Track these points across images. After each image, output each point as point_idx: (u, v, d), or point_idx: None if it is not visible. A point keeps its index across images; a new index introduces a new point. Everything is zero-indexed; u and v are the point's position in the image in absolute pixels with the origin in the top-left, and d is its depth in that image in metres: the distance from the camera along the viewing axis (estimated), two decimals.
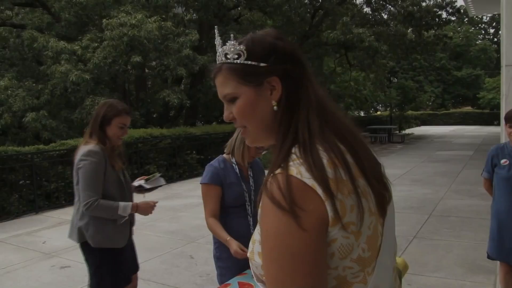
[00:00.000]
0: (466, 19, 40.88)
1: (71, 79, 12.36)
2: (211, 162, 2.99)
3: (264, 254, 1.00)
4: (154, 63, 14.93)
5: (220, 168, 2.92)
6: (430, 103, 42.00)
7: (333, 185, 0.97)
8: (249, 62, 1.10)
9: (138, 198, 3.28)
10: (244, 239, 2.80)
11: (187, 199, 9.65)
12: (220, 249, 2.96)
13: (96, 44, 13.37)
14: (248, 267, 2.79)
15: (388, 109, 32.00)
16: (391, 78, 37.88)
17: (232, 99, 1.14)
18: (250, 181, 3.00)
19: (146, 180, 3.47)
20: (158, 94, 14.02)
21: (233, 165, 2.96)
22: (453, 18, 24.89)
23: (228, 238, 2.77)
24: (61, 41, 13.38)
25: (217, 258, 3.02)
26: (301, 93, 1.10)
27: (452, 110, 43.07)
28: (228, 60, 1.13)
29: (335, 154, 1.02)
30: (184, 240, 6.57)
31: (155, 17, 13.44)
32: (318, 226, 0.96)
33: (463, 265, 5.19)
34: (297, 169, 0.98)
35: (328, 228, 0.96)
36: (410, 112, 32.96)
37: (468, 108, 44.15)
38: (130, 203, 3.06)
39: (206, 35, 16.12)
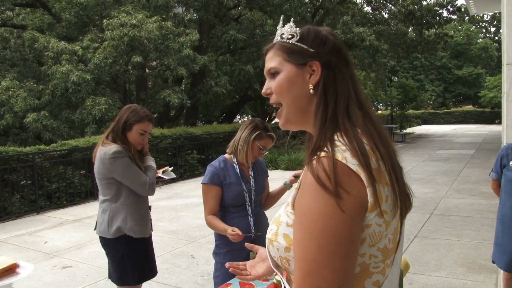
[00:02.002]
0: (467, 17, 40.89)
1: (72, 80, 12.36)
2: (212, 162, 3.03)
3: (301, 232, 1.02)
4: (154, 63, 14.93)
5: (220, 168, 2.96)
6: (431, 102, 41.96)
7: (375, 173, 1.03)
8: (299, 44, 1.19)
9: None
10: (244, 238, 2.89)
11: (188, 198, 9.65)
12: (219, 246, 3.06)
13: (96, 45, 13.37)
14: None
15: (389, 108, 31.97)
16: (392, 77, 37.87)
17: (274, 73, 1.21)
18: (251, 181, 3.03)
19: (163, 172, 3.69)
20: (158, 94, 14.02)
21: (234, 165, 3.00)
22: (454, 17, 24.88)
23: (227, 227, 2.85)
24: (62, 42, 13.39)
25: (215, 254, 3.10)
26: (340, 85, 1.16)
27: (453, 109, 43.03)
28: (282, 39, 1.22)
29: (376, 146, 1.08)
30: (185, 239, 6.57)
31: (155, 17, 13.44)
32: (358, 210, 1.00)
33: (464, 264, 5.19)
34: (342, 154, 1.03)
35: (366, 213, 1.01)
36: (411, 111, 32.94)
37: (469, 107, 44.12)
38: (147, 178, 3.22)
39: (207, 35, 16.12)
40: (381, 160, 1.06)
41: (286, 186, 3.23)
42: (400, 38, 21.06)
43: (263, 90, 1.25)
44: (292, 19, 1.25)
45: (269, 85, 1.22)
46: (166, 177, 3.68)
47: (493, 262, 3.76)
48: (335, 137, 1.08)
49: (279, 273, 1.19)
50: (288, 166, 13.38)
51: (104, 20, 13.17)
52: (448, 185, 10.26)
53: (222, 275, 3.04)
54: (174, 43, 13.69)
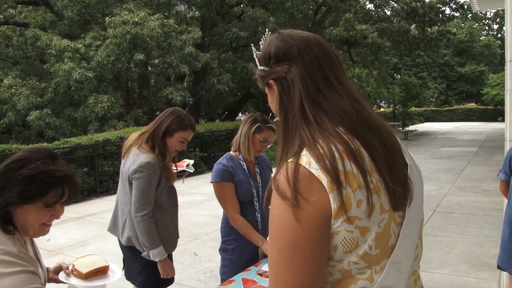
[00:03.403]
0: (470, 15, 40.77)
1: (74, 77, 12.39)
2: (219, 160, 3.02)
3: (269, 236, 1.05)
4: (157, 61, 14.94)
5: (228, 165, 2.97)
6: (434, 100, 41.88)
7: (342, 177, 0.98)
8: (261, 67, 1.21)
9: (177, 182, 3.25)
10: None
11: (191, 196, 9.65)
12: (227, 242, 3.05)
13: (99, 42, 13.40)
14: (252, 263, 2.86)
15: (391, 105, 31.93)
16: (394, 75, 37.78)
17: None
18: (258, 178, 3.05)
19: (187, 165, 3.58)
20: (161, 92, 14.04)
21: (241, 162, 3.01)
22: (456, 14, 24.80)
23: (261, 242, 2.86)
24: (64, 39, 13.43)
25: (222, 250, 3.09)
26: (294, 91, 1.12)
27: (455, 107, 42.99)
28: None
29: (344, 147, 1.02)
30: (188, 237, 6.57)
31: (157, 15, 13.46)
32: (319, 218, 0.97)
33: (467, 262, 5.18)
34: (308, 159, 1.01)
35: (331, 220, 0.98)
36: (413, 108, 32.89)
37: (471, 105, 44.05)
38: (166, 255, 2.98)
39: (209, 33, 16.12)
40: (354, 161, 1.01)
41: None
42: (403, 35, 21.01)
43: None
44: (267, 32, 1.25)
45: None
46: (190, 171, 3.59)
47: (498, 267, 3.47)
48: (304, 140, 1.07)
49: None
50: None
51: (106, 18, 13.19)
52: (451, 183, 10.24)
53: (229, 272, 3.02)
54: (177, 41, 13.69)
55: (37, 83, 13.73)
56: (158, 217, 3.00)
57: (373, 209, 1.00)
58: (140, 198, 2.87)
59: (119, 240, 3.19)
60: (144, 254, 2.95)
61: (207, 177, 11.59)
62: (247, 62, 16.19)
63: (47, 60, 13.84)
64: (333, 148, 1.01)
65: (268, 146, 3.04)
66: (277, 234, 1.00)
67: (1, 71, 13.85)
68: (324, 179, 0.97)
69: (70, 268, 2.10)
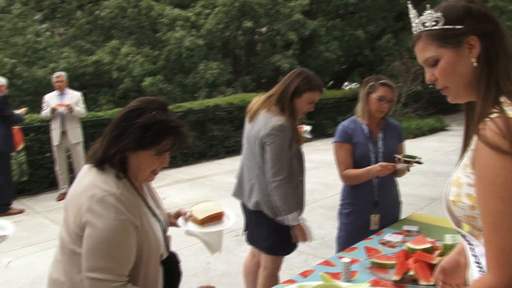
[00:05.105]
0: None
1: (185, 45, 12.77)
2: (343, 121, 3.06)
3: (484, 189, 1.11)
4: (264, 29, 14.96)
5: (348, 127, 2.97)
6: None
7: None
8: (447, 27, 1.20)
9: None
10: (368, 194, 2.94)
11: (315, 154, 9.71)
12: (343, 205, 3.06)
13: (208, 11, 13.64)
14: (366, 230, 2.81)
15: None
16: None
17: (433, 62, 1.24)
18: (379, 143, 2.96)
19: (304, 131, 3.58)
20: (269, 59, 14.06)
21: (362, 125, 2.96)
22: None
23: (370, 167, 2.85)
24: (176, 9, 13.83)
25: (340, 214, 3.11)
26: (497, 48, 1.18)
27: None
28: (427, 28, 1.24)
29: None
30: None
31: None
32: None
33: None
34: None
35: None
36: None
37: None
38: (301, 219, 2.91)
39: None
40: None
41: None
42: None
43: (427, 79, 1.27)
44: (428, 5, 1.26)
45: (432, 73, 1.26)
46: (308, 136, 3.58)
47: None
48: (501, 100, 1.14)
49: (460, 231, 1.27)
50: None
51: None
52: None
53: (344, 236, 3.05)
54: (284, 8, 13.57)
55: (150, 51, 14.31)
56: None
57: None
58: (276, 163, 2.80)
59: (243, 204, 3.16)
60: (279, 219, 2.88)
61: (315, 145, 11.50)
62: (355, 29, 15.71)
63: (160, 29, 14.36)
64: None
65: (387, 106, 2.89)
66: (498, 182, 1.06)
67: (118, 41, 14.56)
68: None
69: (187, 214, 2.15)
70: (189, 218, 2.14)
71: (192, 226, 2.09)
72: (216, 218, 2.15)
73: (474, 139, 1.14)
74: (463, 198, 1.19)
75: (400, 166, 2.84)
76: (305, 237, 2.93)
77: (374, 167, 2.81)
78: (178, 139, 1.68)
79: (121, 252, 1.60)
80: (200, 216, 2.11)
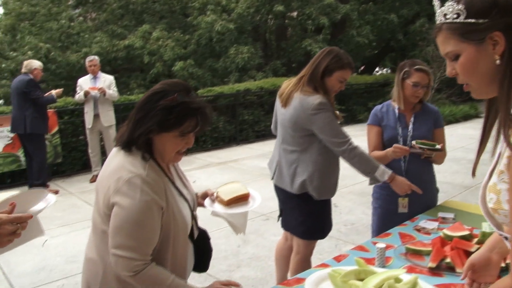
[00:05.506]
0: None
1: (216, 29, 12.75)
2: (377, 105, 3.13)
3: None
4: (295, 13, 14.80)
5: (379, 110, 3.04)
6: None
7: None
8: (469, 20, 1.11)
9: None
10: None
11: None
12: (375, 189, 3.12)
13: None
14: (394, 215, 2.84)
15: None
16: None
17: (454, 57, 1.17)
18: (409, 127, 2.94)
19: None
20: (299, 43, 13.94)
21: (395, 109, 2.98)
22: None
23: (387, 149, 2.86)
24: None
25: (372, 197, 3.16)
26: None
27: None
28: (448, 20, 1.15)
29: None
30: None
31: None
32: None
33: None
34: None
35: None
36: None
37: None
38: (390, 171, 2.81)
39: None
40: None
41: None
42: None
43: (448, 72, 1.21)
44: None
45: (453, 66, 1.18)
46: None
47: None
48: None
49: (503, 234, 1.23)
50: None
51: None
52: None
53: (376, 220, 3.13)
54: None
55: (181, 35, 14.34)
56: (324, 158, 2.93)
57: None
58: (334, 135, 2.80)
59: (280, 189, 3.14)
60: (371, 182, 2.88)
61: (346, 130, 11.34)
62: (388, 13, 15.39)
63: (190, 14, 14.36)
64: None
65: (422, 92, 2.87)
66: None
67: (149, 25, 14.62)
68: None
69: (214, 195, 2.19)
70: (216, 199, 2.17)
71: (218, 207, 2.13)
72: (242, 199, 2.17)
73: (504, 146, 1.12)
74: (504, 205, 1.15)
75: (413, 151, 2.84)
76: (405, 188, 2.81)
77: (390, 148, 2.81)
78: (201, 120, 1.70)
79: (145, 232, 1.65)
80: (226, 197, 2.14)
